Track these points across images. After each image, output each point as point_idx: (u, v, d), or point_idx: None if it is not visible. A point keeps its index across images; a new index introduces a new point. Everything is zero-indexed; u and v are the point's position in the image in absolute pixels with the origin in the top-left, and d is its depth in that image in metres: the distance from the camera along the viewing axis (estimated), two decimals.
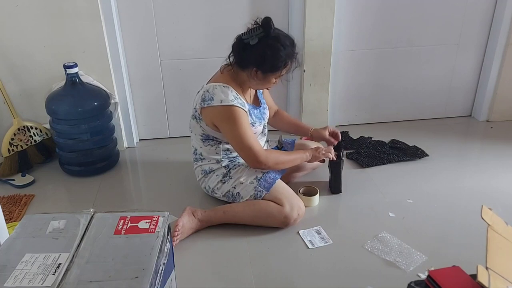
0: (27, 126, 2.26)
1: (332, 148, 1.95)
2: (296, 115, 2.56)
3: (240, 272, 1.60)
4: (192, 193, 2.05)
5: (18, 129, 2.23)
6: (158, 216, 1.12)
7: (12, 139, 2.21)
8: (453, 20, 2.53)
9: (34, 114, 2.31)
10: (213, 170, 1.89)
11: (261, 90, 1.98)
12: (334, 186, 2.03)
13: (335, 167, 1.99)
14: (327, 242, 1.73)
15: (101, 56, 2.25)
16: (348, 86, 2.62)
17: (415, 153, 2.35)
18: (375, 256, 1.66)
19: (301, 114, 2.56)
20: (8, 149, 2.19)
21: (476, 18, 2.53)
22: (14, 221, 1.88)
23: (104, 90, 2.26)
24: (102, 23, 2.18)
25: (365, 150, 2.39)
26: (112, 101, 2.30)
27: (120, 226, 1.09)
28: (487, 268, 1.02)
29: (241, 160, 1.89)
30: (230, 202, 1.87)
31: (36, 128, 2.29)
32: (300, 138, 2.24)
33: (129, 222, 1.11)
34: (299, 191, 1.98)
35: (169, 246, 1.12)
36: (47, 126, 2.27)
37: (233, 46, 1.75)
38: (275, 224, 1.79)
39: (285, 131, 2.19)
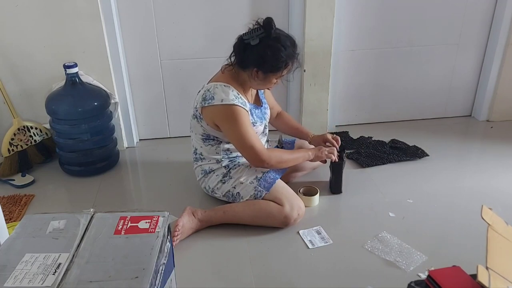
0: (27, 126, 2.26)
1: (335, 149, 1.95)
2: (296, 115, 2.56)
3: (240, 272, 1.60)
4: (192, 193, 2.05)
5: (18, 129, 2.23)
6: (158, 216, 1.12)
7: (12, 139, 2.21)
8: (453, 20, 2.53)
9: (34, 114, 2.31)
10: (213, 170, 1.89)
11: (262, 90, 1.98)
12: (335, 187, 2.03)
13: (337, 168, 1.99)
14: (327, 242, 1.73)
15: (101, 56, 2.25)
16: (348, 86, 2.62)
17: (415, 153, 2.35)
18: (375, 256, 1.66)
19: (301, 114, 2.56)
20: (8, 149, 2.19)
21: (476, 18, 2.53)
22: (14, 221, 1.88)
23: (104, 90, 2.26)
24: (102, 23, 2.18)
25: (365, 150, 2.39)
26: (112, 101, 2.30)
27: (120, 226, 1.09)
28: (487, 268, 1.02)
29: (241, 160, 1.89)
30: (230, 202, 1.88)
31: (36, 128, 2.29)
32: None
33: (129, 222, 1.11)
34: (299, 191, 1.98)
35: (169, 246, 1.12)
36: (47, 126, 2.27)
37: (234, 46, 1.75)
38: (275, 224, 1.79)
39: (286, 134, 2.19)
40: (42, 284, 0.93)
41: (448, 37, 2.57)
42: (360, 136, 2.55)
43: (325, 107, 2.55)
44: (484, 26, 2.56)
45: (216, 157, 1.88)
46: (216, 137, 1.84)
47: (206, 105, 1.75)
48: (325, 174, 2.11)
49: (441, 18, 2.51)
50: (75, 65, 2.10)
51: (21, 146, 2.23)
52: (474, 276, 1.04)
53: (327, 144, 1.98)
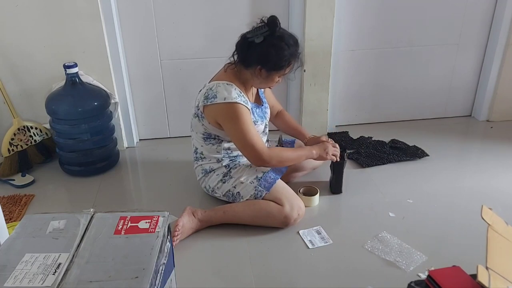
0: (27, 126, 2.26)
1: (338, 149, 1.95)
2: (296, 115, 2.56)
3: (240, 272, 1.60)
4: (192, 193, 2.05)
5: (18, 129, 2.23)
6: (158, 216, 1.12)
7: (12, 139, 2.21)
8: (453, 20, 2.53)
9: (34, 114, 2.31)
10: (213, 170, 1.89)
11: (262, 90, 1.98)
12: (335, 187, 2.03)
13: (337, 168, 1.99)
14: (327, 242, 1.73)
15: (101, 56, 2.25)
16: (348, 86, 2.62)
17: (415, 153, 2.35)
18: (375, 256, 1.66)
19: (301, 114, 2.56)
20: (8, 149, 2.19)
21: (476, 18, 2.53)
22: (14, 221, 1.88)
23: (104, 90, 2.26)
24: (102, 23, 2.18)
25: (365, 150, 2.39)
26: (112, 101, 2.30)
27: (120, 226, 1.09)
28: (487, 268, 1.02)
29: (242, 160, 1.90)
30: (230, 202, 1.88)
31: (36, 128, 2.29)
32: None
33: (129, 222, 1.11)
34: (299, 191, 1.98)
35: (169, 246, 1.12)
36: (47, 126, 2.27)
37: (237, 45, 1.75)
38: (275, 224, 1.79)
39: (285, 133, 2.19)
40: (42, 284, 0.93)
41: (448, 37, 2.57)
42: (360, 136, 2.55)
43: (325, 107, 2.55)
44: (484, 26, 2.56)
45: (216, 156, 1.88)
46: (217, 136, 1.84)
47: (208, 103, 1.75)
48: (325, 174, 2.11)
49: (441, 18, 2.51)
50: (75, 65, 2.10)
51: (21, 146, 2.23)
52: (474, 276, 1.04)
53: (330, 140, 1.98)
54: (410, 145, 2.43)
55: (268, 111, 2.00)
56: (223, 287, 1.55)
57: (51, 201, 2.07)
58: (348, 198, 2.02)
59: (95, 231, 1.08)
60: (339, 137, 2.55)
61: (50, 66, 2.22)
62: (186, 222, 1.74)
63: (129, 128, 2.50)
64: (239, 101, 1.72)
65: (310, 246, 1.72)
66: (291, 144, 2.11)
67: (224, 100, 1.72)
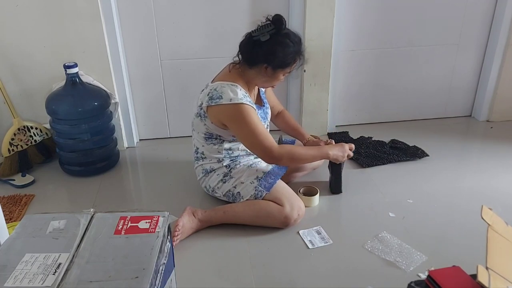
0: (27, 126, 2.26)
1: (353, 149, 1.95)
2: (296, 115, 2.56)
3: (240, 272, 1.60)
4: (192, 193, 2.05)
5: (18, 129, 2.23)
6: (158, 216, 1.12)
7: (12, 139, 2.21)
8: (453, 20, 2.53)
9: (34, 114, 2.31)
10: (214, 170, 1.89)
11: (263, 91, 1.98)
12: (335, 187, 2.03)
13: (336, 168, 1.99)
14: (327, 242, 1.74)
15: (101, 56, 2.25)
16: (348, 86, 2.62)
17: (415, 153, 2.35)
18: (375, 256, 1.66)
19: (301, 114, 2.56)
20: (8, 149, 2.19)
21: (476, 18, 2.53)
22: (14, 221, 1.88)
23: (104, 90, 2.26)
24: (102, 23, 2.18)
25: (365, 150, 2.39)
26: (112, 101, 2.30)
27: (120, 226, 1.09)
28: (487, 268, 1.02)
29: (243, 160, 1.90)
30: (230, 202, 1.88)
31: (36, 128, 2.29)
32: None
33: (129, 222, 1.11)
34: (299, 191, 1.98)
35: (169, 246, 1.12)
36: (47, 126, 2.27)
37: (241, 44, 1.76)
38: (275, 224, 1.79)
39: (285, 133, 2.19)
40: (42, 284, 0.93)
41: (448, 37, 2.57)
42: (360, 136, 2.55)
43: (325, 107, 2.55)
44: (484, 26, 2.56)
45: (217, 156, 1.88)
46: (219, 136, 1.84)
47: (213, 104, 1.74)
48: (325, 174, 2.11)
49: (441, 18, 2.51)
50: (75, 65, 2.10)
51: (21, 146, 2.23)
52: (474, 276, 1.04)
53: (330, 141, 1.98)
54: (410, 145, 2.43)
55: (269, 111, 2.00)
56: (223, 287, 1.55)
57: (51, 201, 2.07)
58: (348, 198, 2.02)
59: (95, 231, 1.08)
60: (339, 137, 2.55)
61: (50, 66, 2.22)
62: (186, 222, 1.74)
63: (129, 128, 2.50)
64: (245, 102, 1.72)
65: (310, 246, 1.72)
66: (291, 144, 2.11)
67: (230, 101, 1.71)
